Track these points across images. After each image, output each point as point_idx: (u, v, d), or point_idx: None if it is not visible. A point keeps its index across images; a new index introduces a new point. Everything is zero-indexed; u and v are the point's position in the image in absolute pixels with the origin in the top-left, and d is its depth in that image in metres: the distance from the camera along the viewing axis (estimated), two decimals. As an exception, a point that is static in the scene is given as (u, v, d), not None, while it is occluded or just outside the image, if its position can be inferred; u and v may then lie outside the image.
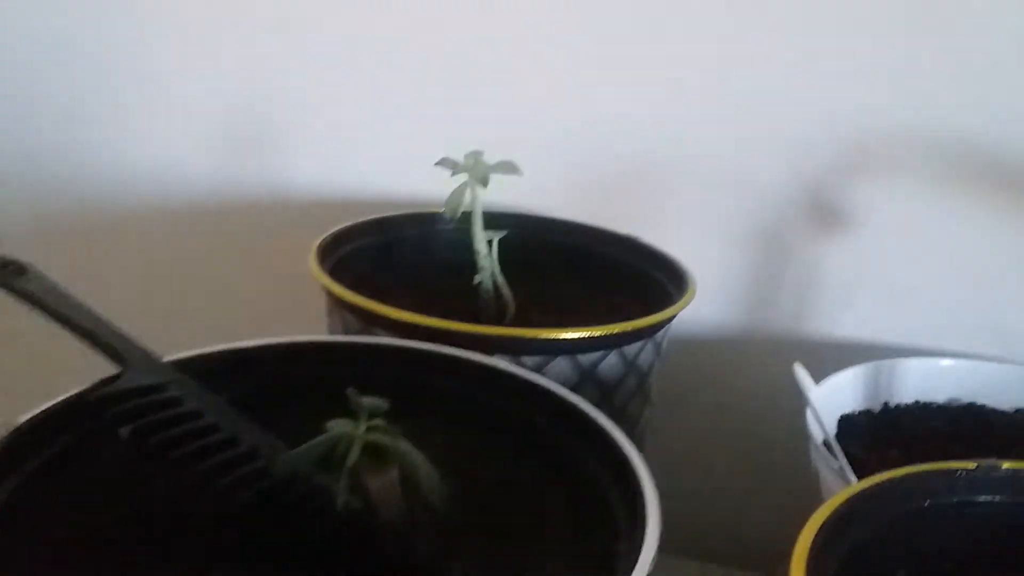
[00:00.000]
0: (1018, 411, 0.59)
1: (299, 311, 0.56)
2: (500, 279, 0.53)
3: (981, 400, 0.60)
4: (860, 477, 0.39)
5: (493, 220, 0.59)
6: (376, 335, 0.45)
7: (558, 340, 0.43)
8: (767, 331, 0.64)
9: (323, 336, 0.48)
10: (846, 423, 0.57)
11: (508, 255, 0.54)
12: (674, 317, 0.48)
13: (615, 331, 0.44)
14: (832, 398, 0.57)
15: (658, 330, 0.48)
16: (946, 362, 0.60)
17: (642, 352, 0.48)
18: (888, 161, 0.58)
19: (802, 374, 0.50)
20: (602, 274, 0.59)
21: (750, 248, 0.63)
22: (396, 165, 0.68)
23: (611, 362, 0.45)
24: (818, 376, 0.54)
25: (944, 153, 0.57)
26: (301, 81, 0.69)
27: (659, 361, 0.51)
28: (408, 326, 0.43)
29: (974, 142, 0.56)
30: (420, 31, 0.65)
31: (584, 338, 0.43)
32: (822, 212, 0.61)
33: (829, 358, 0.62)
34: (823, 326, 0.63)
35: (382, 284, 0.56)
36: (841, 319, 0.63)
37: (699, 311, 0.64)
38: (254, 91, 0.71)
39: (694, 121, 0.61)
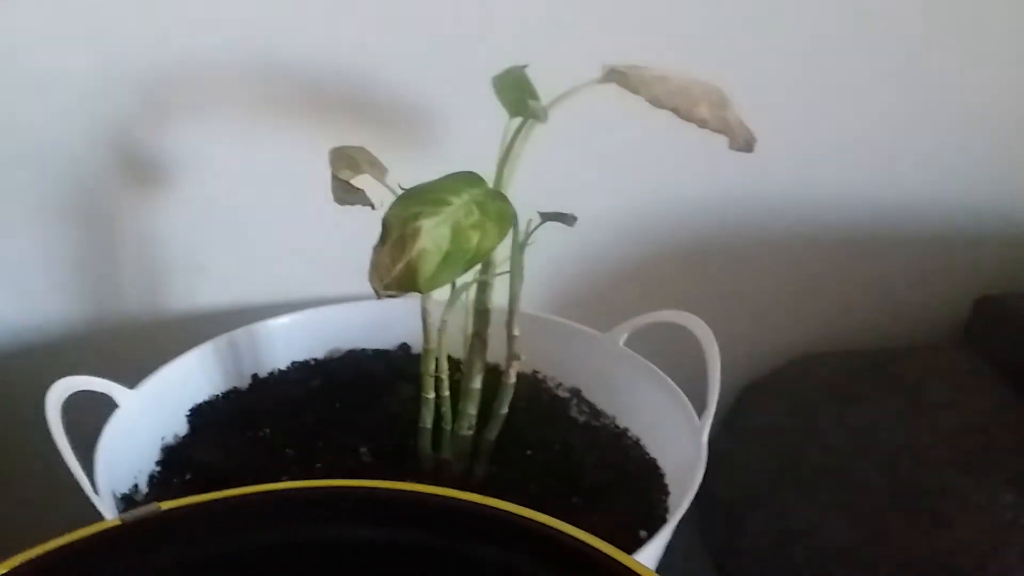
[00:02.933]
0: (401, 345, 0.55)
1: None
2: None
3: (364, 344, 0.54)
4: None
5: None
6: None
7: None
8: (116, 322, 0.53)
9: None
10: (198, 417, 0.48)
11: None
12: None
13: None
14: (174, 390, 0.47)
15: None
16: (312, 313, 0.53)
17: None
18: (198, 97, 0.48)
19: (54, 397, 0.39)
20: None
21: (68, 229, 0.50)
22: None
23: None
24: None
25: (257, 81, 0.48)
26: None
27: None
28: None
29: (286, 67, 0.48)
30: None
31: None
32: (137, 167, 0.50)
33: (195, 335, 0.53)
34: (182, 300, 0.54)
35: None
36: (201, 287, 0.54)
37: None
38: None
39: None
